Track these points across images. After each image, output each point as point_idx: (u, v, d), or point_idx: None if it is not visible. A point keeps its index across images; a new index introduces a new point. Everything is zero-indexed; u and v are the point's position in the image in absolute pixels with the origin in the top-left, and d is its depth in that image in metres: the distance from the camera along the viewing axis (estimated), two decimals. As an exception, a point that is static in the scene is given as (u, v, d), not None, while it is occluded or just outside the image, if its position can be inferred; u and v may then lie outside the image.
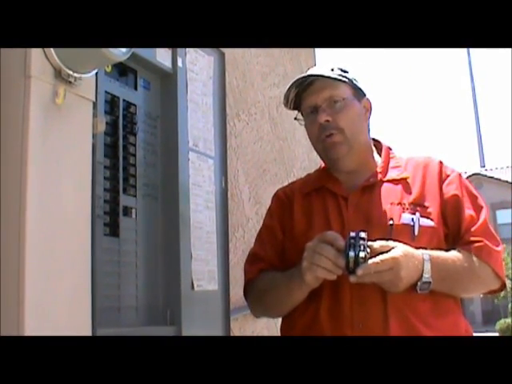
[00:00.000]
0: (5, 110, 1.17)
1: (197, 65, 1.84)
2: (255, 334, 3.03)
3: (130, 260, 1.57)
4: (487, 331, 13.51)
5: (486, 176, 24.04)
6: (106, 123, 1.41)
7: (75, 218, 1.26)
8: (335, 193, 1.65)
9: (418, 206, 1.58)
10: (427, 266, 1.47)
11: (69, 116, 1.26)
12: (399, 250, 1.45)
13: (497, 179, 23.69)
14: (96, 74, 1.34)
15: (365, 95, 1.69)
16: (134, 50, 1.31)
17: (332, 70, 1.65)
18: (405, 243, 1.49)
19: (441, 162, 1.68)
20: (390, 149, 1.75)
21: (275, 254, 1.71)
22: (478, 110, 29.52)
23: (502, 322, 17.14)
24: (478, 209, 1.62)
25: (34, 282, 1.13)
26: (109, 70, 1.54)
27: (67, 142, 1.25)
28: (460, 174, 1.68)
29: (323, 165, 1.76)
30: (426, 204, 1.59)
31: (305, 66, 3.75)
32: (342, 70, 1.65)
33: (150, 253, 1.64)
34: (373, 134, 1.77)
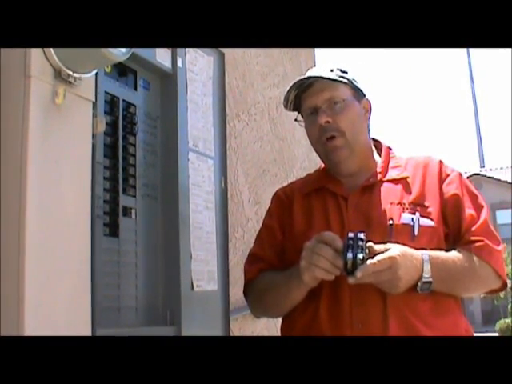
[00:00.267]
0: (5, 110, 1.17)
1: (196, 65, 1.84)
2: (255, 334, 3.03)
3: (129, 260, 1.57)
4: (487, 331, 13.50)
5: (485, 176, 24.03)
6: (106, 123, 1.41)
7: (75, 218, 1.26)
8: (335, 193, 1.65)
9: (418, 205, 1.58)
10: (427, 266, 1.47)
11: (68, 116, 1.26)
12: (397, 249, 1.45)
13: (497, 179, 23.68)
14: (96, 74, 1.34)
15: (364, 95, 1.69)
16: (133, 50, 1.31)
17: (331, 70, 1.64)
18: (405, 243, 1.49)
19: (441, 162, 1.68)
20: (390, 149, 1.75)
21: (275, 254, 1.71)
22: (478, 111, 29.56)
23: (502, 322, 17.12)
24: (478, 208, 1.62)
25: (34, 282, 1.13)
26: (108, 70, 1.54)
27: (67, 142, 1.25)
28: (460, 174, 1.68)
29: (323, 165, 1.75)
30: (426, 204, 1.59)
31: (304, 66, 3.75)
32: (341, 71, 1.65)
33: (149, 253, 1.64)
34: (373, 134, 1.77)
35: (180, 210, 1.67)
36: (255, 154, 3.28)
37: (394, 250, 1.44)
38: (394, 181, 1.64)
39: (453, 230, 1.60)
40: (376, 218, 1.56)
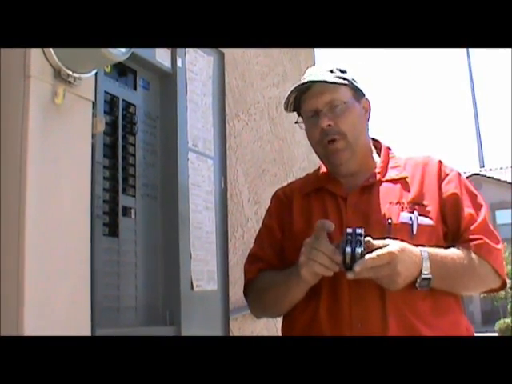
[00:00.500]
0: (4, 110, 1.17)
1: (196, 65, 1.84)
2: (254, 334, 3.03)
3: (129, 260, 1.57)
4: (487, 331, 13.51)
5: (485, 176, 24.03)
6: (106, 123, 1.41)
7: (74, 218, 1.26)
8: (334, 193, 1.65)
9: (417, 204, 1.58)
10: (426, 263, 1.47)
11: (68, 116, 1.26)
12: (396, 245, 1.45)
13: (496, 179, 23.68)
14: (95, 74, 1.34)
15: (364, 95, 1.69)
16: (133, 50, 1.31)
17: (331, 71, 1.63)
18: (404, 242, 1.49)
19: (440, 161, 1.68)
20: (390, 149, 1.75)
21: (274, 253, 1.71)
22: (478, 111, 29.57)
23: (502, 322, 17.13)
24: (477, 207, 1.62)
25: (34, 282, 1.13)
26: (108, 70, 1.54)
27: (66, 142, 1.25)
28: (459, 173, 1.68)
29: (322, 165, 1.75)
30: (425, 203, 1.59)
31: (304, 65, 3.75)
32: (340, 71, 1.64)
33: (149, 253, 1.64)
34: (373, 134, 1.76)
35: (180, 209, 1.67)
36: (255, 154, 3.28)
37: (394, 245, 1.44)
38: (393, 181, 1.64)
39: (452, 229, 1.60)
40: (375, 218, 1.57)
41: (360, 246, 1.40)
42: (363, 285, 1.46)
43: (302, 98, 1.66)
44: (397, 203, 1.58)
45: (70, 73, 1.23)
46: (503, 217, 22.39)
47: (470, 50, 29.19)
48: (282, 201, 1.76)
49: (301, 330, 1.59)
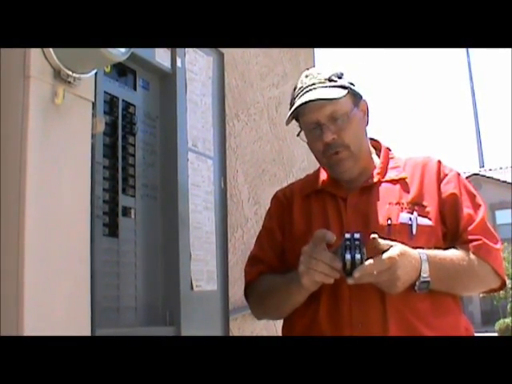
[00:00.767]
0: (4, 110, 1.17)
1: (196, 65, 1.84)
2: (254, 334, 3.03)
3: (129, 260, 1.57)
4: (486, 331, 13.51)
5: (485, 176, 24.04)
6: (105, 123, 1.41)
7: (74, 218, 1.26)
8: (334, 194, 1.65)
9: (416, 205, 1.58)
10: (425, 266, 1.47)
11: (68, 116, 1.26)
12: (396, 249, 1.44)
13: (496, 179, 23.69)
14: (95, 74, 1.34)
15: (361, 97, 1.67)
16: (133, 50, 1.31)
17: (329, 79, 1.59)
18: (403, 242, 1.49)
19: (439, 162, 1.67)
20: (389, 149, 1.75)
21: (275, 255, 1.71)
22: (478, 111, 29.59)
23: (502, 323, 17.13)
24: (476, 207, 1.62)
25: (34, 282, 1.13)
26: (108, 70, 1.54)
27: (66, 142, 1.25)
28: (458, 173, 1.68)
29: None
30: (425, 203, 1.59)
31: (304, 65, 3.75)
32: (338, 77, 1.60)
33: (149, 253, 1.64)
34: (372, 134, 1.77)
35: (179, 209, 1.67)
36: (254, 154, 3.28)
37: (394, 250, 1.44)
38: (392, 181, 1.64)
39: (451, 229, 1.60)
40: (374, 219, 1.57)
41: (359, 251, 1.40)
42: (363, 286, 1.46)
43: (301, 111, 1.61)
44: (396, 204, 1.58)
45: (70, 73, 1.23)
46: (503, 217, 22.39)
47: (470, 49, 29.22)
48: (282, 202, 1.75)
49: (301, 331, 1.59)
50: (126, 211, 1.58)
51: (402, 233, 1.54)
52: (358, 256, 1.40)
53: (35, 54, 1.18)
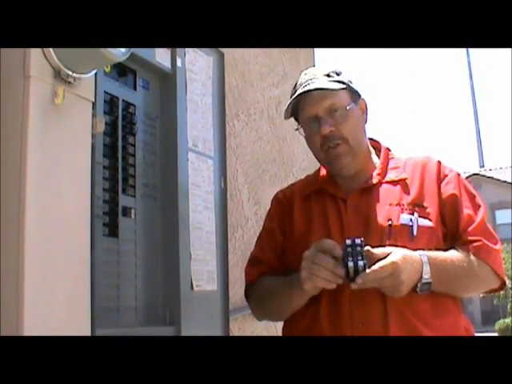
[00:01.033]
0: (4, 110, 1.17)
1: (196, 65, 1.84)
2: (254, 334, 3.03)
3: (129, 260, 1.57)
4: (486, 331, 13.51)
5: (485, 176, 24.05)
6: (106, 123, 1.41)
7: (74, 218, 1.26)
8: (334, 195, 1.65)
9: (417, 206, 1.58)
10: (426, 267, 1.47)
11: (68, 116, 1.26)
12: (398, 254, 1.44)
13: (496, 179, 23.70)
14: (95, 74, 1.34)
15: (360, 96, 1.68)
16: (133, 50, 1.31)
17: (327, 75, 1.61)
18: (404, 244, 1.49)
19: (439, 162, 1.67)
20: (389, 150, 1.75)
21: (275, 256, 1.70)
22: (478, 110, 29.59)
23: (502, 322, 17.14)
24: (476, 208, 1.61)
25: (34, 282, 1.13)
26: (108, 70, 1.54)
27: (66, 142, 1.25)
28: (458, 174, 1.68)
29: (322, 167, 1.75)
30: (425, 204, 1.59)
31: (304, 65, 3.75)
32: (336, 74, 1.62)
33: (149, 253, 1.64)
34: (372, 134, 1.77)
35: (179, 209, 1.67)
36: (255, 154, 3.28)
37: (396, 254, 1.44)
38: (392, 182, 1.64)
39: (451, 229, 1.60)
40: (375, 220, 1.56)
41: (362, 258, 1.40)
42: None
43: (300, 105, 1.64)
44: (397, 205, 1.58)
45: (70, 73, 1.23)
46: (503, 217, 22.40)
47: (470, 49, 29.23)
48: (283, 203, 1.75)
49: (302, 332, 1.58)
50: (126, 211, 1.58)
51: (403, 234, 1.53)
52: (360, 263, 1.39)
53: (35, 54, 1.18)
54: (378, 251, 1.44)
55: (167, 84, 1.74)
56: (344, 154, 1.60)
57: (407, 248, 1.49)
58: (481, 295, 14.19)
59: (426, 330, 1.48)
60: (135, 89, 1.66)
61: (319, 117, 1.60)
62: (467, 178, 20.12)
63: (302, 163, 3.72)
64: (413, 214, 1.56)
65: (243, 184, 3.12)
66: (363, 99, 1.68)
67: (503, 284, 1.61)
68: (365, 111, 1.69)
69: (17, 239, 1.12)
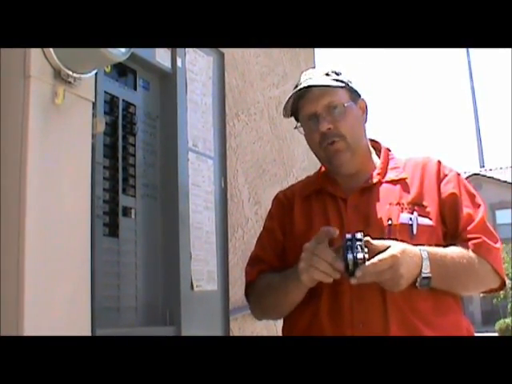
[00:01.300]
0: (4, 110, 1.17)
1: (196, 65, 1.84)
2: (254, 334, 3.03)
3: (129, 260, 1.57)
4: (487, 331, 13.51)
5: (485, 176, 24.05)
6: (106, 123, 1.41)
7: (75, 218, 1.26)
8: (334, 195, 1.65)
9: (417, 205, 1.59)
10: (426, 262, 1.47)
11: (68, 116, 1.26)
12: (397, 247, 1.45)
13: (496, 179, 23.70)
14: (95, 74, 1.34)
15: (360, 96, 1.69)
16: (133, 50, 1.31)
17: (327, 74, 1.64)
18: (404, 243, 1.49)
19: (439, 162, 1.68)
20: (389, 150, 1.75)
21: (275, 255, 1.71)
22: (478, 110, 29.59)
23: (502, 322, 17.14)
24: (475, 207, 1.62)
25: (34, 282, 1.13)
26: (108, 70, 1.54)
27: (67, 143, 1.25)
28: (458, 174, 1.68)
29: (322, 167, 1.76)
30: (425, 203, 1.59)
31: (304, 66, 3.75)
32: (336, 73, 1.64)
33: (149, 253, 1.64)
34: (373, 134, 1.78)
35: (180, 209, 1.67)
36: (255, 154, 3.28)
37: (395, 247, 1.44)
38: (392, 182, 1.64)
39: (451, 228, 1.60)
40: (375, 219, 1.57)
41: (361, 251, 1.40)
42: (364, 285, 1.46)
43: (299, 103, 1.66)
44: (397, 204, 1.59)
45: (70, 73, 1.23)
46: (503, 217, 22.40)
47: (470, 49, 29.23)
48: (283, 203, 1.76)
49: (302, 331, 1.59)
50: (127, 211, 1.58)
51: (403, 233, 1.54)
52: (360, 255, 1.39)
53: (35, 54, 1.18)
54: (377, 243, 1.45)
55: (167, 84, 1.74)
56: (342, 150, 1.61)
57: None
58: (481, 295, 14.19)
59: (426, 330, 1.48)
60: (135, 89, 1.66)
61: (318, 114, 1.61)
62: (467, 178, 20.14)
63: (302, 163, 3.72)
64: (412, 213, 1.56)
65: (243, 184, 3.12)
66: (363, 99, 1.70)
67: (503, 284, 1.61)
68: (365, 111, 1.70)
69: (17, 239, 1.12)
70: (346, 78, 1.65)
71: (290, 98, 1.65)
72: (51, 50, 1.20)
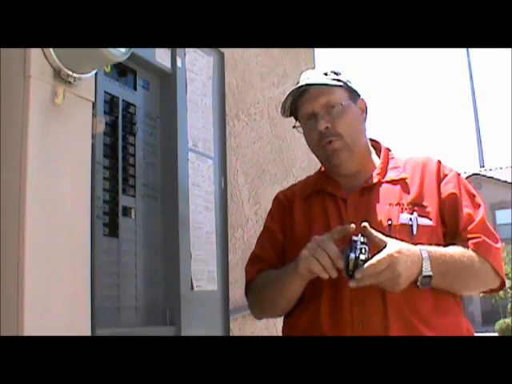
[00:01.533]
0: (5, 110, 1.17)
1: (196, 65, 1.84)
2: (255, 334, 3.03)
3: (129, 260, 1.57)
4: (487, 331, 13.51)
5: (485, 176, 24.05)
6: (106, 123, 1.41)
7: (75, 218, 1.26)
8: (335, 195, 1.65)
9: (417, 205, 1.59)
10: (426, 261, 1.47)
11: (68, 116, 1.26)
12: (393, 246, 1.45)
13: (496, 179, 23.70)
14: (95, 74, 1.34)
15: (359, 96, 1.69)
16: (133, 50, 1.31)
17: (326, 74, 1.64)
18: (403, 241, 1.49)
19: (439, 162, 1.68)
20: (389, 150, 1.75)
21: (275, 255, 1.71)
22: (478, 110, 29.60)
23: (502, 322, 17.13)
24: (475, 207, 1.62)
25: (34, 282, 1.13)
26: (108, 70, 1.54)
27: (67, 143, 1.25)
28: (458, 173, 1.68)
29: (322, 167, 1.76)
30: (425, 203, 1.59)
31: (304, 66, 3.75)
32: (335, 73, 1.65)
33: (149, 253, 1.64)
34: (372, 134, 1.78)
35: (180, 209, 1.67)
36: (255, 154, 3.28)
37: (391, 247, 1.44)
38: (392, 182, 1.64)
39: (451, 228, 1.60)
40: (375, 219, 1.57)
41: (365, 252, 1.40)
42: (364, 286, 1.46)
43: (298, 103, 1.67)
44: (397, 204, 1.59)
45: (70, 73, 1.23)
46: (503, 217, 22.40)
47: (470, 49, 29.23)
48: (284, 203, 1.76)
49: (302, 332, 1.58)
50: (127, 211, 1.58)
51: (403, 233, 1.54)
52: (362, 257, 1.40)
53: (35, 54, 1.18)
54: (376, 233, 1.46)
55: (167, 84, 1.74)
56: (340, 149, 1.61)
57: None
58: (481, 295, 14.19)
59: (426, 331, 1.48)
60: (135, 89, 1.66)
61: (316, 113, 1.62)
62: (467, 177, 20.15)
63: (302, 163, 3.72)
64: (412, 214, 1.56)
65: (243, 184, 3.12)
66: (362, 99, 1.70)
67: (503, 284, 1.61)
68: (364, 110, 1.70)
69: (17, 239, 1.12)
70: (345, 78, 1.65)
71: (287, 97, 1.66)
72: (51, 50, 1.20)
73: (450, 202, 1.61)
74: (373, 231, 1.46)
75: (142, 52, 1.59)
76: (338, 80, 1.63)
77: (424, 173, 1.65)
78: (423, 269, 1.47)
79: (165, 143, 1.72)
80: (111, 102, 1.56)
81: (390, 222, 1.55)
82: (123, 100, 1.60)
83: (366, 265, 1.40)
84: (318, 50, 4.43)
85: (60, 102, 1.22)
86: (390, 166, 1.69)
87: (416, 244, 1.50)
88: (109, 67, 1.53)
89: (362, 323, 1.49)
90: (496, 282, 1.60)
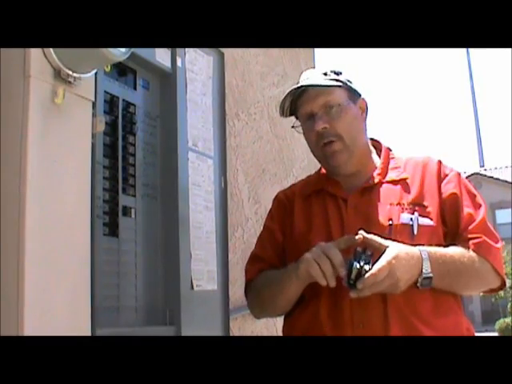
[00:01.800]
0: (4, 110, 1.17)
1: (196, 65, 1.84)
2: (254, 334, 3.03)
3: (129, 260, 1.57)
4: (487, 331, 13.51)
5: (485, 176, 24.05)
6: (106, 123, 1.41)
7: (74, 217, 1.26)
8: (335, 195, 1.65)
9: (417, 205, 1.58)
10: (426, 262, 1.47)
11: (68, 116, 1.26)
12: (391, 252, 1.44)
13: (496, 179, 23.71)
14: (95, 73, 1.34)
15: (360, 95, 1.69)
16: (133, 49, 1.31)
17: (325, 74, 1.63)
18: (404, 243, 1.49)
19: (439, 162, 1.68)
20: (390, 149, 1.75)
21: (275, 254, 1.71)
22: (478, 110, 29.61)
23: (502, 322, 17.13)
24: (476, 207, 1.62)
25: (34, 282, 1.13)
26: (108, 69, 1.54)
27: (66, 142, 1.25)
28: (459, 173, 1.68)
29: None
30: (425, 203, 1.59)
31: (304, 65, 3.75)
32: (334, 73, 1.64)
33: (149, 253, 1.64)
34: (373, 134, 1.77)
35: (180, 209, 1.67)
36: (255, 154, 3.28)
37: (389, 253, 1.44)
38: (393, 182, 1.64)
39: (451, 228, 1.60)
40: (375, 219, 1.56)
41: (368, 263, 1.40)
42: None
43: (297, 103, 1.66)
44: (397, 204, 1.58)
45: (70, 73, 1.24)
46: (503, 216, 22.41)
47: (470, 49, 29.24)
48: (284, 203, 1.76)
49: (302, 331, 1.58)
50: (127, 211, 1.58)
51: (403, 233, 1.53)
52: (366, 267, 1.40)
53: (35, 54, 1.18)
54: (375, 238, 1.46)
55: (167, 84, 1.74)
56: (339, 151, 1.61)
57: None
58: (481, 295, 14.19)
59: (427, 330, 1.48)
60: (135, 88, 1.66)
61: (314, 113, 1.62)
62: (467, 177, 20.13)
63: (302, 163, 3.72)
64: (413, 214, 1.56)
65: (243, 183, 3.12)
66: (363, 98, 1.69)
67: (503, 284, 1.61)
68: (364, 110, 1.70)
69: (17, 239, 1.12)
70: (345, 78, 1.64)
71: (285, 97, 1.65)
72: (51, 50, 1.20)
73: (451, 201, 1.60)
74: (371, 236, 1.46)
75: (142, 52, 1.59)
76: (338, 80, 1.63)
77: (424, 173, 1.65)
78: (423, 270, 1.46)
79: (165, 143, 1.72)
80: (111, 102, 1.56)
81: (390, 222, 1.55)
82: (123, 100, 1.60)
83: (368, 275, 1.40)
84: (317, 50, 4.43)
85: (60, 101, 1.22)
86: (391, 165, 1.68)
87: (416, 244, 1.50)
88: (109, 67, 1.53)
89: (363, 323, 1.49)
90: (496, 281, 1.60)
